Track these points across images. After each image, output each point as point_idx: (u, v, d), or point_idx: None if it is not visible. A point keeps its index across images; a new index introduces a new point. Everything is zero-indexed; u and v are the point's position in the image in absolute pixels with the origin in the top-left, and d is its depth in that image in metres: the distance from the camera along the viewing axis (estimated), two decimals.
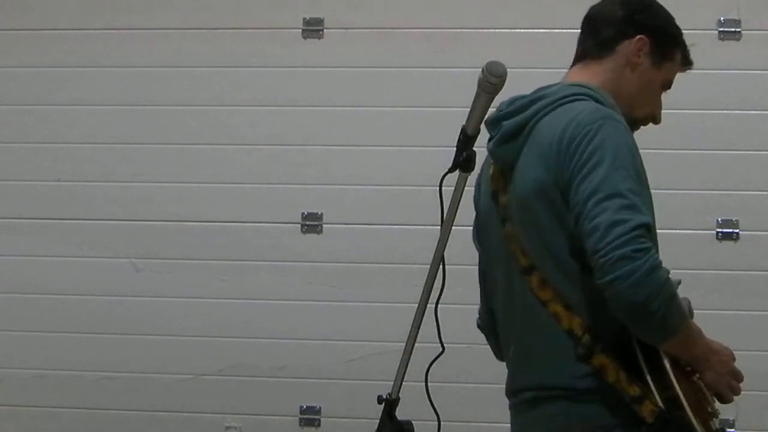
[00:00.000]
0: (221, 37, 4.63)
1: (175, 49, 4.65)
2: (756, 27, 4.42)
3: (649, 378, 2.10)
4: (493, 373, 3.97)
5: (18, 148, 4.68)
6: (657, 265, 2.03)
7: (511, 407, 2.38)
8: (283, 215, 4.55)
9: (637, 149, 2.20)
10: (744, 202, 4.39)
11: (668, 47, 2.42)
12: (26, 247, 4.63)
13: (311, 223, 4.55)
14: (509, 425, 2.38)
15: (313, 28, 4.60)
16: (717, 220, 4.39)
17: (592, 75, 2.38)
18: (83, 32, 4.68)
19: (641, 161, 2.19)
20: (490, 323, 2.49)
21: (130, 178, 4.62)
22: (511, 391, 2.37)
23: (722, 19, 4.42)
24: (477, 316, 2.57)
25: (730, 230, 4.38)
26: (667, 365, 2.12)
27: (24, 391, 4.60)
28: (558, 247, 2.20)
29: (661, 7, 2.46)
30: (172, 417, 4.54)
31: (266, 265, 4.55)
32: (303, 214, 4.56)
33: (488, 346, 2.55)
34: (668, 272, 2.06)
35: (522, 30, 4.50)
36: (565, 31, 4.37)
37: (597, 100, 2.27)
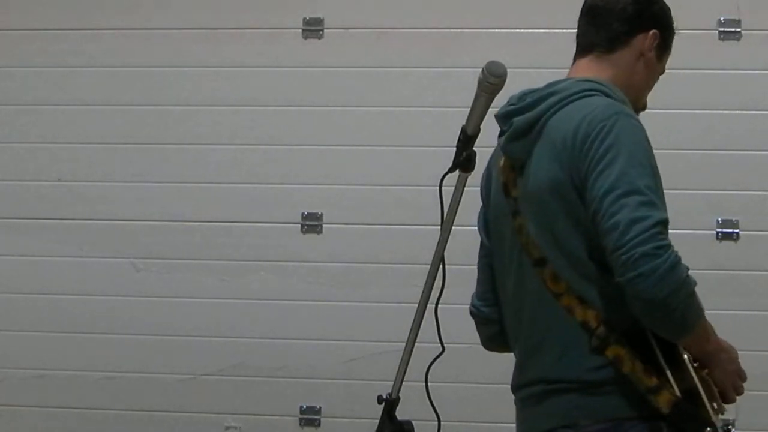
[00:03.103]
0: (221, 37, 4.63)
1: (175, 49, 4.64)
2: (756, 27, 4.42)
3: (667, 369, 2.09)
4: (493, 373, 3.99)
5: (18, 148, 4.68)
6: (677, 262, 2.03)
7: (516, 401, 2.35)
8: (283, 215, 4.55)
9: (650, 144, 2.18)
10: (744, 202, 4.38)
11: (670, 39, 2.44)
12: (26, 247, 4.63)
13: (311, 223, 4.55)
14: (510, 424, 2.37)
15: (313, 28, 4.60)
16: (717, 220, 4.38)
17: (601, 68, 2.36)
18: (83, 32, 4.67)
19: (654, 157, 2.17)
20: (486, 311, 2.47)
21: (130, 178, 4.62)
22: (518, 385, 2.33)
23: (722, 19, 4.41)
24: (470, 302, 2.52)
25: (730, 230, 4.38)
26: (686, 358, 2.13)
27: (24, 391, 4.60)
28: (571, 243, 2.18)
29: None
30: (172, 417, 4.54)
31: (266, 265, 4.55)
32: (303, 214, 4.56)
33: None
34: (687, 269, 2.06)
35: (522, 30, 4.50)
36: (565, 31, 4.38)
37: (608, 95, 2.26)
